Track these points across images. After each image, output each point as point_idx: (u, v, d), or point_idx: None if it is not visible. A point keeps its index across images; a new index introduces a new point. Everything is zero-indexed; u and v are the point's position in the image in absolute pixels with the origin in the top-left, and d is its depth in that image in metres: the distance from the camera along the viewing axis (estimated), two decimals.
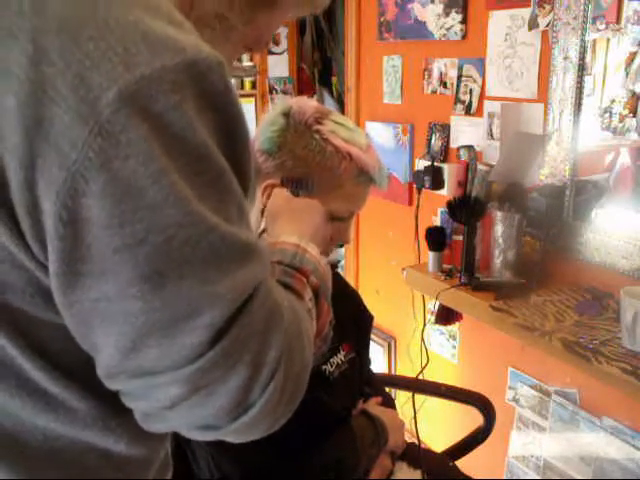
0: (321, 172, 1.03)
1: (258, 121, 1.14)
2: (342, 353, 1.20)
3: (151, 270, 0.45)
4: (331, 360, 1.16)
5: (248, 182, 0.53)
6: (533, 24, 1.68)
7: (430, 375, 2.04)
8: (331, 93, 3.49)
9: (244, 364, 0.50)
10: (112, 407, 0.53)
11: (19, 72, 0.42)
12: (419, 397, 1.95)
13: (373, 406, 1.23)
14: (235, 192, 0.50)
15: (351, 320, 1.28)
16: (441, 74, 2.05)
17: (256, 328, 0.51)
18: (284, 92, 3.34)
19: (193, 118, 0.45)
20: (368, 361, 1.37)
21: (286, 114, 1.05)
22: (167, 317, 0.47)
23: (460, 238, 1.74)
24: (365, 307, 1.37)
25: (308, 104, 1.06)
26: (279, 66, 3.55)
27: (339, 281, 1.37)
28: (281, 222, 0.83)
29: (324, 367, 1.14)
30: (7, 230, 0.44)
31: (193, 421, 0.52)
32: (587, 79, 1.61)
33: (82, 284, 0.45)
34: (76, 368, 0.52)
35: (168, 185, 0.44)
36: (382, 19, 2.25)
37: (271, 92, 3.34)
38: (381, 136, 2.32)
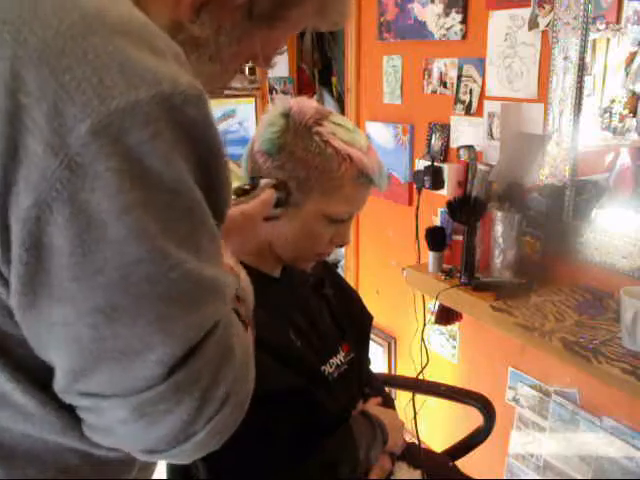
0: (320, 174, 1.02)
1: (258, 121, 1.14)
2: (342, 353, 1.20)
3: (106, 302, 0.46)
4: (330, 361, 1.16)
5: (224, 211, 0.54)
6: (533, 24, 1.68)
7: (430, 375, 2.04)
8: (331, 93, 3.49)
9: (192, 399, 0.51)
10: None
11: None
12: (419, 397, 1.94)
13: (372, 406, 1.23)
14: (206, 224, 0.51)
15: (350, 320, 1.28)
16: (441, 74, 2.05)
17: (209, 365, 0.52)
18: (284, 92, 3.34)
19: (166, 151, 0.45)
20: (368, 361, 1.37)
21: (286, 115, 1.05)
22: (118, 348, 0.48)
23: (460, 238, 1.74)
24: (365, 307, 1.37)
25: (308, 105, 1.06)
26: (279, 66, 3.55)
27: (339, 281, 1.37)
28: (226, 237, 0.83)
29: (323, 367, 1.14)
30: None
31: (135, 444, 0.54)
32: (587, 79, 1.61)
33: (40, 307, 0.46)
34: (50, 381, 0.52)
35: (132, 221, 0.44)
36: (382, 19, 2.25)
37: (271, 92, 3.34)
38: (381, 136, 2.32)
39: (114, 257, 0.45)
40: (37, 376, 0.52)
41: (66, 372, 0.50)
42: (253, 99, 3.34)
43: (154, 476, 0.60)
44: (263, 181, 0.89)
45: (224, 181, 0.53)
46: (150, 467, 0.68)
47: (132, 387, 0.49)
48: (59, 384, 0.51)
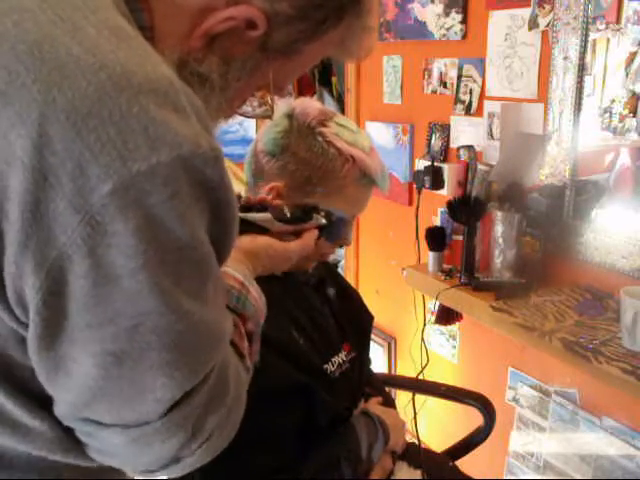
0: (323, 174, 1.03)
1: (258, 121, 1.14)
2: (343, 353, 1.20)
3: (115, 347, 0.49)
4: (332, 360, 1.16)
5: (226, 257, 0.58)
6: (533, 24, 1.68)
7: (430, 375, 2.04)
8: (331, 93, 3.49)
9: (185, 431, 0.56)
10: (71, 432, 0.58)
11: (24, 157, 0.44)
12: (419, 397, 1.94)
13: (374, 406, 1.23)
14: (214, 273, 0.54)
15: (351, 320, 1.28)
16: (441, 74, 2.05)
17: (203, 404, 0.56)
18: (288, 87, 3.34)
19: (183, 210, 0.48)
20: (369, 361, 1.37)
21: (289, 116, 1.05)
22: (122, 387, 0.52)
23: (460, 238, 1.74)
24: (365, 307, 1.37)
25: (311, 106, 1.06)
26: None
27: (340, 281, 1.37)
28: (244, 256, 0.84)
29: (325, 366, 1.14)
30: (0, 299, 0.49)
31: (130, 465, 0.59)
32: (587, 79, 1.61)
33: (54, 346, 0.50)
34: (50, 402, 0.56)
35: (145, 277, 0.47)
36: (382, 19, 2.25)
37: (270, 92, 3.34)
38: (381, 136, 2.32)
39: (126, 308, 0.48)
40: (38, 397, 0.55)
41: (71, 402, 0.54)
42: (256, 94, 3.33)
43: (168, 475, 0.62)
44: (314, 219, 0.90)
45: (231, 233, 0.56)
46: None
47: (131, 421, 0.54)
48: (61, 410, 0.55)
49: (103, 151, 0.45)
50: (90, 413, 0.54)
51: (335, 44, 0.67)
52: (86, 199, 0.45)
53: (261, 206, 0.90)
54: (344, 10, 0.63)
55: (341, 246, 1.17)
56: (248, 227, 0.82)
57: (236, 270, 0.77)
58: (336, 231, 0.96)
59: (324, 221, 0.91)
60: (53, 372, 0.52)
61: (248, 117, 0.77)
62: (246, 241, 0.84)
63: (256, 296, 0.77)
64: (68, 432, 0.57)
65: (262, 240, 0.84)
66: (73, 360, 0.50)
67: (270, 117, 0.77)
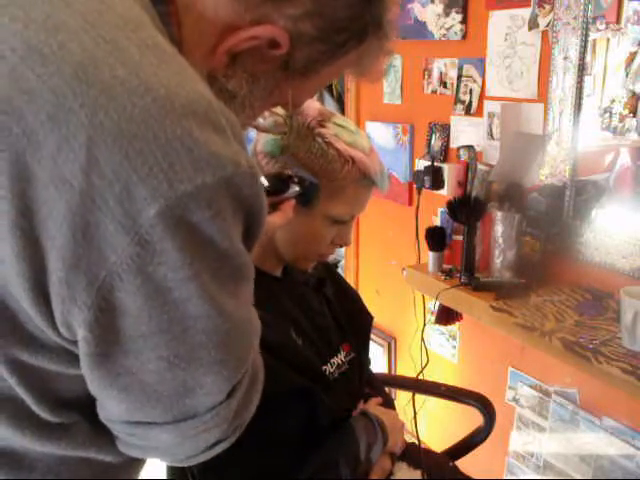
0: (323, 175, 1.03)
1: None
2: (342, 353, 1.20)
3: (169, 352, 0.52)
4: (332, 360, 1.16)
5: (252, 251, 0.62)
6: (533, 24, 1.68)
7: (430, 375, 2.04)
8: (331, 93, 3.49)
9: (227, 422, 0.60)
10: (104, 427, 0.60)
11: (72, 180, 0.45)
12: (419, 397, 1.94)
13: (373, 406, 1.23)
14: (249, 275, 0.57)
15: (351, 320, 1.28)
16: (441, 74, 2.05)
17: (243, 395, 0.60)
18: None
19: (225, 225, 0.50)
20: (368, 361, 1.37)
21: (289, 116, 1.05)
22: (175, 387, 0.54)
23: (460, 238, 1.74)
24: (365, 307, 1.37)
25: (311, 106, 1.06)
26: None
27: (339, 281, 1.37)
28: None
29: (324, 367, 1.14)
30: (41, 314, 0.50)
31: (169, 457, 0.63)
32: (587, 79, 1.61)
33: (109, 360, 0.52)
34: (77, 402, 0.58)
35: (193, 287, 0.50)
36: None
37: None
38: (381, 136, 2.32)
39: (177, 316, 0.51)
40: (65, 398, 0.57)
41: (124, 409, 0.56)
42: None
43: (154, 476, 0.63)
44: (291, 189, 0.90)
45: (259, 235, 0.58)
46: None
47: (181, 416, 0.56)
48: (110, 416, 0.58)
49: (150, 173, 0.46)
50: (142, 416, 0.56)
51: (354, 65, 0.68)
52: (135, 220, 0.46)
53: None
54: (366, 33, 0.64)
55: (340, 246, 1.17)
56: None
57: None
58: (310, 196, 0.96)
59: (298, 189, 0.91)
60: (108, 387, 0.54)
61: (261, 131, 0.78)
62: None
63: None
64: (98, 431, 0.59)
65: None
66: (129, 371, 0.53)
67: (286, 133, 0.78)
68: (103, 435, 0.60)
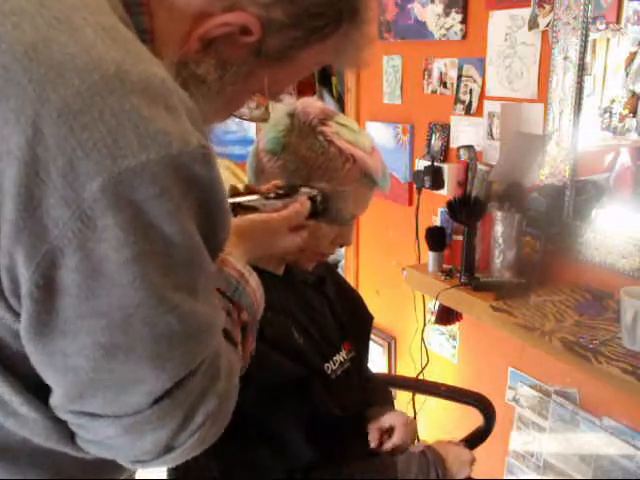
0: (324, 174, 1.03)
1: (259, 123, 1.14)
2: (344, 352, 1.20)
3: (106, 339, 0.51)
4: (334, 358, 1.17)
5: (219, 252, 0.61)
6: (533, 24, 1.68)
7: (430, 375, 2.04)
8: (331, 93, 3.49)
9: (175, 421, 0.57)
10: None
11: (17, 152, 0.46)
12: (419, 397, 1.95)
13: (440, 443, 1.23)
14: (204, 268, 0.56)
15: (351, 319, 1.28)
16: (441, 74, 2.05)
17: (193, 393, 0.57)
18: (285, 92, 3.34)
19: (172, 207, 0.49)
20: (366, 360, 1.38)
21: (291, 115, 1.05)
22: (113, 379, 0.53)
23: (460, 238, 1.74)
24: (365, 307, 1.37)
25: (313, 105, 1.06)
26: None
27: (339, 281, 1.38)
28: (238, 239, 0.82)
29: (326, 365, 1.14)
30: None
31: (122, 455, 0.60)
32: (587, 79, 1.61)
33: (45, 338, 0.51)
34: (43, 392, 0.57)
35: (135, 270, 0.49)
36: (382, 19, 2.25)
37: None
38: (381, 136, 2.31)
39: (117, 301, 0.49)
40: (38, 390, 0.56)
41: (62, 394, 0.55)
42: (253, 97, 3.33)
43: (154, 476, 0.62)
44: (303, 191, 0.88)
45: (223, 228, 0.58)
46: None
47: (122, 411, 0.55)
48: (55, 402, 0.56)
49: (94, 148, 0.46)
50: (82, 405, 0.55)
51: (332, 52, 0.68)
52: (77, 194, 0.46)
53: (249, 191, 0.90)
54: (341, 20, 0.64)
55: (341, 246, 1.17)
56: (238, 210, 0.81)
57: (238, 260, 0.77)
58: (327, 208, 0.94)
59: (310, 190, 0.89)
60: (46, 365, 0.53)
61: (245, 119, 0.77)
62: (236, 222, 0.84)
63: (254, 287, 0.78)
64: (60, 422, 0.58)
65: (251, 217, 0.84)
66: (64, 353, 0.51)
67: (266, 120, 0.77)
68: (62, 430, 0.59)
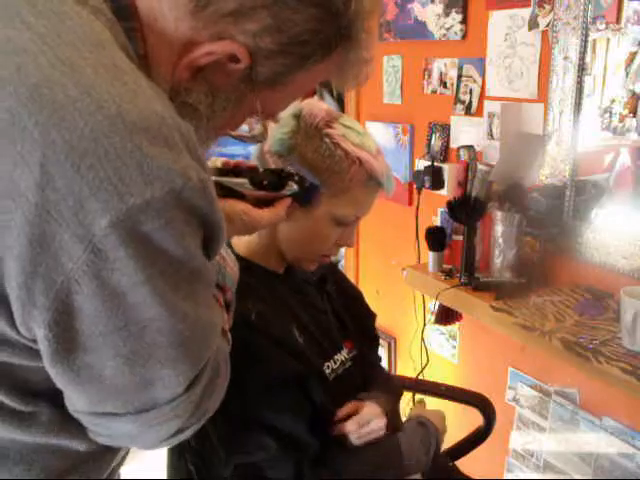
0: (329, 176, 1.03)
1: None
2: (345, 350, 1.20)
3: (127, 350, 0.55)
4: (335, 357, 1.17)
5: (215, 256, 0.65)
6: (533, 24, 1.68)
7: (430, 375, 2.04)
8: (331, 93, 3.49)
9: (187, 412, 0.63)
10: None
11: (28, 194, 0.49)
12: (419, 397, 1.94)
13: (423, 410, 1.26)
14: (207, 279, 0.61)
15: (353, 318, 1.28)
16: (441, 74, 2.05)
17: (202, 388, 0.63)
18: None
19: (176, 233, 0.53)
20: (378, 358, 1.38)
21: (297, 116, 1.05)
22: (134, 383, 0.58)
23: (460, 238, 1.74)
24: (367, 305, 1.38)
25: (319, 107, 1.06)
26: None
27: (341, 279, 1.37)
28: None
29: (327, 364, 1.14)
30: (3, 317, 0.54)
31: (135, 444, 0.67)
32: (587, 79, 1.61)
33: (69, 357, 0.55)
34: (46, 391, 0.61)
35: (146, 291, 0.53)
36: (382, 19, 2.25)
37: None
38: (381, 136, 2.31)
39: (133, 317, 0.54)
40: (34, 388, 0.60)
41: (86, 401, 0.60)
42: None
43: (154, 476, 0.65)
44: (288, 187, 0.88)
45: (219, 242, 0.62)
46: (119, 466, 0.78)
47: (140, 408, 0.60)
48: (75, 407, 0.61)
49: (101, 187, 0.49)
50: (104, 407, 0.60)
51: (327, 75, 0.69)
52: (88, 230, 0.49)
53: (237, 170, 0.89)
54: (331, 45, 0.64)
55: (342, 246, 1.17)
56: (224, 192, 0.82)
57: None
58: (309, 197, 0.94)
59: (296, 188, 0.90)
60: (71, 382, 0.57)
61: (244, 141, 0.79)
62: (222, 206, 0.84)
63: (232, 265, 0.83)
64: (66, 417, 0.62)
65: (238, 207, 0.84)
66: (89, 367, 0.56)
67: (261, 141, 0.78)
68: (72, 422, 0.63)
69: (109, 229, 0.49)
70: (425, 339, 2.04)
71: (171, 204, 0.51)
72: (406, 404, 1.49)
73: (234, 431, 1.03)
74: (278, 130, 1.05)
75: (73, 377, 0.57)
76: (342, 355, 1.19)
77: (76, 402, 0.60)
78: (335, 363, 1.16)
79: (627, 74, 1.69)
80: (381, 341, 2.51)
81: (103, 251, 0.50)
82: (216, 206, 0.57)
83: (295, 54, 0.63)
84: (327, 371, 1.14)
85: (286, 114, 1.06)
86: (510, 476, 2.00)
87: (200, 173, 0.54)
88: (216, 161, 0.91)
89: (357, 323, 1.29)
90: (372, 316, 1.37)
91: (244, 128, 0.75)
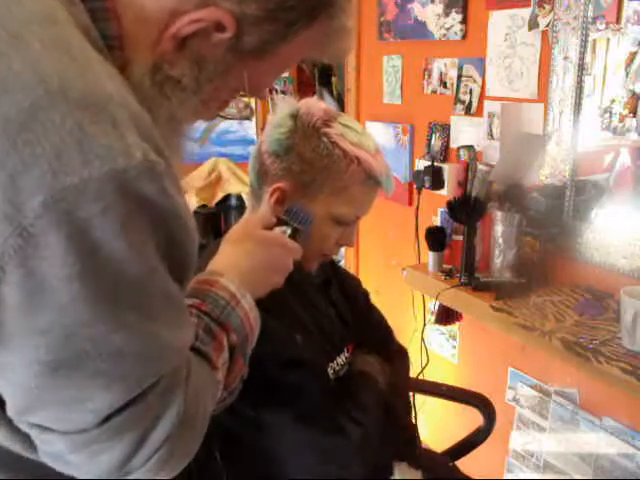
0: (328, 175, 1.02)
1: (258, 121, 1.14)
2: (346, 353, 1.20)
3: (50, 357, 0.49)
4: (337, 359, 1.17)
5: (190, 264, 0.59)
6: (533, 24, 1.68)
7: (430, 375, 2.04)
8: (331, 93, 3.49)
9: (127, 441, 0.55)
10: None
11: None
12: (419, 397, 1.94)
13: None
14: (161, 287, 0.54)
15: (357, 320, 1.28)
16: (441, 74, 2.05)
17: (146, 414, 0.55)
18: (284, 92, 3.35)
19: (116, 224, 0.48)
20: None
21: (294, 116, 1.05)
22: (59, 396, 0.52)
23: (460, 238, 1.74)
24: (372, 305, 1.38)
25: (316, 106, 1.06)
26: None
27: (346, 282, 1.37)
28: (235, 249, 0.84)
29: (330, 364, 1.14)
30: None
31: (80, 473, 0.58)
32: (587, 79, 1.61)
33: None
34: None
35: (77, 288, 0.48)
36: (382, 19, 2.25)
37: (271, 92, 3.34)
38: (381, 136, 2.31)
39: (59, 319, 0.48)
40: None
41: (13, 405, 0.54)
42: (253, 99, 3.34)
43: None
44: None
45: (187, 242, 0.56)
46: None
47: (70, 428, 0.54)
48: (9, 412, 0.55)
49: (36, 164, 0.45)
50: (33, 417, 0.54)
51: (311, 45, 0.67)
52: (19, 210, 0.45)
53: None
54: (315, 12, 0.63)
55: (341, 245, 1.17)
56: None
57: (231, 281, 0.76)
58: (306, 231, 0.98)
59: (289, 232, 0.93)
60: None
61: (230, 119, 0.77)
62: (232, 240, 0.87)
63: (246, 309, 0.76)
64: (20, 432, 0.57)
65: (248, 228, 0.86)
66: (10, 368, 0.51)
67: (249, 118, 0.77)
68: (25, 439, 0.58)
69: (41, 209, 0.45)
70: (425, 339, 2.03)
71: (111, 187, 0.47)
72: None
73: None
74: (275, 130, 1.05)
75: None
76: (341, 358, 1.19)
77: (7, 405, 0.55)
78: (337, 365, 1.16)
79: (627, 74, 1.69)
80: None
81: (33, 235, 0.46)
82: (171, 195, 0.52)
83: (281, 20, 0.61)
84: (330, 372, 1.14)
85: (283, 114, 1.05)
86: (510, 476, 2.00)
87: (149, 154, 0.50)
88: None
89: (361, 325, 1.29)
90: (377, 315, 1.37)
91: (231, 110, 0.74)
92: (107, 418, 0.53)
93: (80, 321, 0.49)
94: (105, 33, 0.57)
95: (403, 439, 1.22)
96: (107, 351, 0.51)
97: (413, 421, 1.33)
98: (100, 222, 0.47)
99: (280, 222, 0.94)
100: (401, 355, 1.36)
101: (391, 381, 1.21)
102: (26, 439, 0.57)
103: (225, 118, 0.78)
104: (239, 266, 0.80)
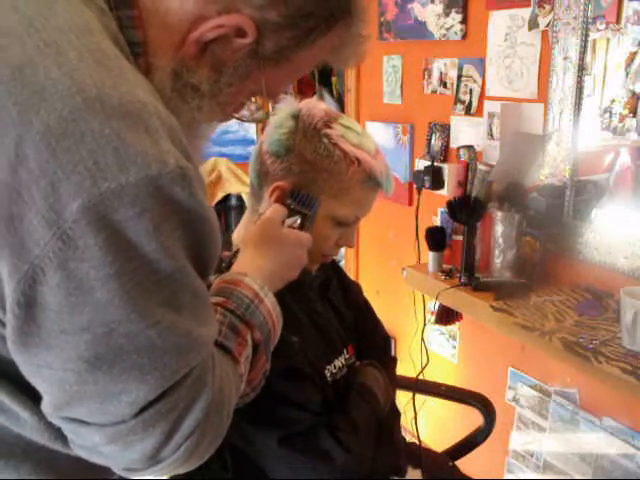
0: (328, 176, 1.03)
1: (260, 123, 1.14)
2: (345, 355, 1.20)
3: (89, 353, 0.52)
4: (335, 362, 1.16)
5: (210, 270, 0.62)
6: (533, 24, 1.68)
7: (430, 375, 2.04)
8: (331, 93, 3.49)
9: (160, 431, 0.58)
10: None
11: (0, 174, 0.48)
12: (419, 397, 1.94)
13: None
14: (190, 284, 0.57)
15: (356, 324, 1.28)
16: (441, 74, 2.05)
17: (178, 405, 0.58)
18: (284, 92, 3.35)
19: (151, 226, 0.51)
20: (392, 360, 1.38)
21: (295, 117, 1.05)
22: (97, 390, 0.55)
23: (460, 238, 1.74)
24: (371, 310, 1.37)
25: (317, 107, 1.06)
26: None
27: (346, 283, 1.37)
28: (256, 252, 0.88)
29: (327, 367, 1.14)
30: None
31: (112, 463, 0.61)
32: (587, 79, 1.61)
33: (30, 352, 0.53)
34: (36, 394, 0.58)
35: (115, 287, 0.50)
36: (382, 19, 2.25)
37: None
38: (381, 136, 2.32)
39: (98, 316, 0.51)
40: (30, 390, 0.58)
41: (50, 403, 0.57)
42: (253, 99, 3.33)
43: (155, 476, 0.63)
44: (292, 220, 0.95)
45: (212, 242, 0.59)
46: None
47: (107, 420, 0.56)
48: (45, 408, 0.58)
49: (75, 170, 0.47)
50: (69, 412, 0.57)
51: (327, 51, 0.69)
52: (58, 215, 0.48)
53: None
54: (334, 19, 0.65)
55: (341, 246, 1.17)
56: None
57: (254, 281, 0.80)
58: (313, 217, 1.00)
59: (299, 221, 0.96)
60: (34, 375, 0.55)
61: (244, 121, 0.78)
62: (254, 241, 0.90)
63: (269, 307, 0.80)
64: (52, 424, 0.59)
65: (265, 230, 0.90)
66: (49, 366, 0.53)
67: (263, 121, 0.78)
68: (55, 431, 0.60)
69: (80, 214, 0.47)
70: (425, 339, 2.03)
71: (146, 191, 0.50)
72: (406, 404, 1.48)
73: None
74: (276, 131, 1.05)
75: (33, 372, 0.55)
76: (339, 361, 1.18)
77: (44, 401, 0.57)
78: (335, 367, 1.16)
79: (627, 74, 1.69)
80: None
81: (72, 238, 0.48)
82: (200, 199, 0.55)
83: (300, 27, 0.63)
84: (327, 374, 1.13)
85: (284, 114, 1.06)
86: (510, 476, 2.00)
87: (180, 160, 0.52)
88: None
89: (361, 328, 1.29)
90: (383, 334, 1.37)
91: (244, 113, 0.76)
92: (142, 410, 0.56)
93: (118, 318, 0.51)
94: (131, 40, 0.59)
95: (394, 459, 1.20)
96: (143, 346, 0.53)
97: (403, 434, 1.33)
98: (135, 224, 0.50)
99: (290, 213, 0.97)
100: (394, 364, 1.36)
101: (389, 394, 1.20)
102: (56, 432, 0.60)
103: (240, 120, 0.79)
104: (261, 267, 0.84)
